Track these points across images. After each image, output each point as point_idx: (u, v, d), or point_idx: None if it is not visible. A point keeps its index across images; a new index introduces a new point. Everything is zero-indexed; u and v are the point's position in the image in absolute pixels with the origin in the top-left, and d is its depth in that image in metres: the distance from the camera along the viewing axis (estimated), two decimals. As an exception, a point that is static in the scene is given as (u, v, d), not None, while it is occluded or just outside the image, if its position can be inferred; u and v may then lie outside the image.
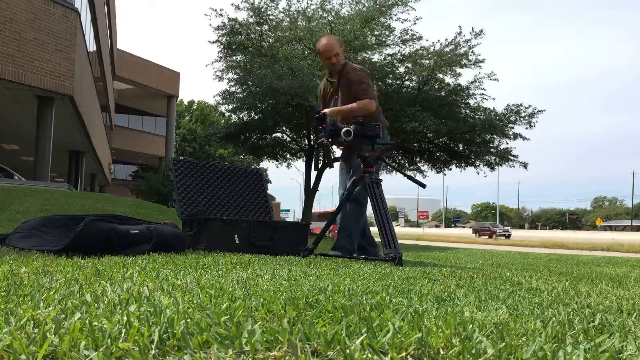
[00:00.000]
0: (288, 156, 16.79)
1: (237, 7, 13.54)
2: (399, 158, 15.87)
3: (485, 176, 15.95)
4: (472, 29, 13.15)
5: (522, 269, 3.32)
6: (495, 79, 13.88)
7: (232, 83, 14.37)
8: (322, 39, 3.84)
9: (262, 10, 13.62)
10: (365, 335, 0.81)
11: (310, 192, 14.81)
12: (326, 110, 3.52)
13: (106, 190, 28.93)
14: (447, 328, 0.92)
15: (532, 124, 14.16)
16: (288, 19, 13.99)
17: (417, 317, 1.05)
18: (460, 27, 13.14)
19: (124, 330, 0.80)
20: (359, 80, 3.62)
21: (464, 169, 15.66)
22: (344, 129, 3.22)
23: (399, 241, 3.14)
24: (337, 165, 4.00)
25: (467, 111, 14.35)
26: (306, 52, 13.75)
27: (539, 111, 14.14)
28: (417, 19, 13.53)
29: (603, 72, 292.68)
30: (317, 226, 17.72)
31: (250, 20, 13.78)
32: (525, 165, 14.98)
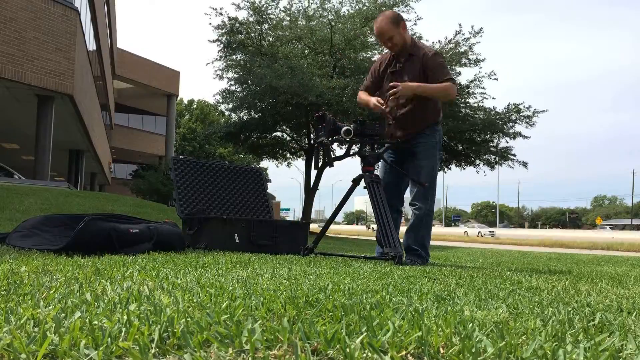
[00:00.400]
0: (288, 155, 16.80)
1: (238, 7, 13.55)
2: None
3: (485, 175, 15.95)
4: (472, 27, 13.18)
5: (522, 268, 3.32)
6: (495, 79, 13.90)
7: (232, 82, 14.39)
8: (375, 21, 3.39)
9: (263, 9, 13.62)
10: (365, 334, 0.81)
11: (310, 191, 14.83)
12: (402, 84, 3.17)
13: (106, 189, 28.93)
14: (447, 327, 0.92)
15: (533, 123, 14.18)
16: (288, 18, 13.99)
17: (417, 316, 1.05)
18: (460, 25, 13.16)
19: (124, 329, 0.80)
20: (436, 65, 3.25)
21: (464, 168, 15.67)
22: (344, 128, 3.21)
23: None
24: (338, 163, 3.88)
25: (467, 110, 14.36)
26: (306, 51, 13.75)
27: (541, 111, 14.16)
28: (418, 19, 13.56)
29: (603, 72, 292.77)
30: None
31: (251, 19, 13.79)
32: (524, 164, 14.98)
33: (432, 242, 3.60)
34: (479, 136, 14.40)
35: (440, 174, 16.48)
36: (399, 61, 3.40)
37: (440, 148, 3.51)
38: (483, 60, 13.53)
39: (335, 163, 3.82)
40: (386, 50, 3.54)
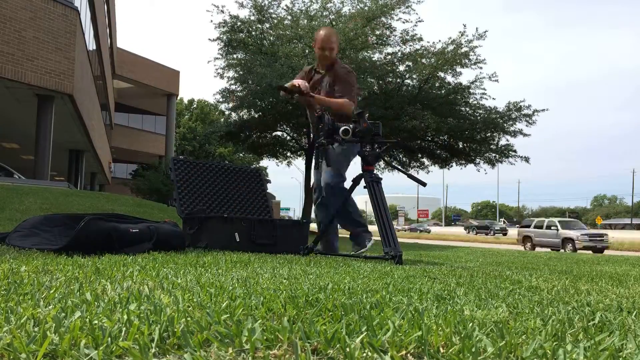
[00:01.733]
0: (288, 154, 16.80)
1: (241, 5, 13.58)
2: (401, 156, 15.90)
3: (486, 173, 16.01)
4: (477, 29, 13.21)
5: (522, 268, 3.32)
6: (496, 80, 13.95)
7: (233, 81, 14.40)
8: (322, 29, 3.80)
9: (265, 8, 13.65)
10: (365, 333, 0.81)
11: (310, 191, 14.83)
12: (311, 95, 3.55)
13: (106, 189, 28.92)
14: (447, 326, 0.92)
15: (533, 122, 14.20)
16: (290, 17, 14.02)
17: (417, 315, 1.05)
18: (464, 25, 13.22)
19: (124, 328, 0.80)
20: (345, 79, 3.64)
21: (464, 167, 15.69)
22: (342, 128, 3.21)
23: (400, 240, 3.14)
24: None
25: (468, 109, 14.39)
26: (307, 51, 13.76)
27: (541, 110, 14.19)
28: (419, 21, 13.58)
29: (604, 72, 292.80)
30: None
31: (252, 17, 13.82)
32: (527, 159, 14.97)
33: (432, 242, 3.61)
34: (479, 134, 14.42)
35: (440, 173, 16.54)
36: (321, 72, 3.75)
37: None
38: (483, 61, 13.56)
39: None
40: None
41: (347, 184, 3.54)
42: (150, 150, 30.54)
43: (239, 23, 13.72)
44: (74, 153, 18.78)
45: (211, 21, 14.83)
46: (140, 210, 8.88)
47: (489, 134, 14.53)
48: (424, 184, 3.45)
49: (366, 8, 13.35)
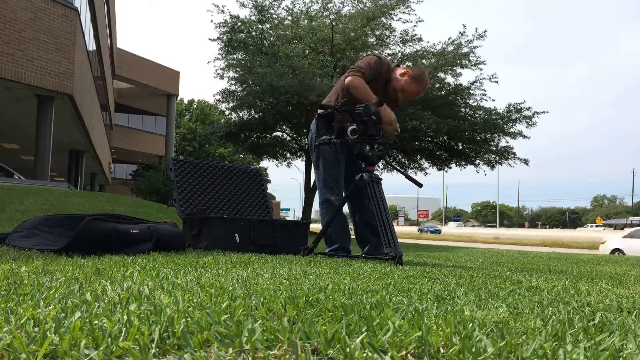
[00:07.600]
0: (288, 155, 16.80)
1: (242, 4, 13.60)
2: (400, 157, 15.90)
3: (485, 174, 16.02)
4: (476, 29, 13.22)
5: (522, 268, 3.32)
6: (496, 81, 13.95)
7: (233, 81, 14.41)
8: (426, 82, 3.61)
9: (265, 8, 13.68)
10: (365, 333, 0.81)
11: (310, 191, 14.83)
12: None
13: (106, 189, 28.92)
14: (447, 327, 0.92)
15: (533, 123, 14.20)
16: (290, 18, 14.04)
17: (417, 315, 1.05)
18: (464, 26, 13.23)
19: (124, 329, 0.80)
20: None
21: (464, 168, 15.68)
22: (350, 128, 3.20)
23: (400, 240, 3.14)
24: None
25: (468, 110, 14.39)
26: (307, 51, 13.78)
27: (541, 112, 14.21)
28: (419, 21, 13.59)
29: (604, 70, 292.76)
30: None
31: (252, 18, 13.84)
32: (526, 161, 14.99)
33: (431, 242, 3.59)
34: (479, 136, 14.42)
35: (440, 173, 16.53)
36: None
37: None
38: (483, 62, 13.57)
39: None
40: (388, 57, 3.61)
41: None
42: (150, 151, 30.54)
43: (239, 23, 13.75)
44: (74, 153, 18.78)
45: (211, 21, 15.01)
46: (140, 210, 8.88)
47: (488, 135, 14.54)
48: (420, 185, 3.45)
49: (366, 8, 13.36)
